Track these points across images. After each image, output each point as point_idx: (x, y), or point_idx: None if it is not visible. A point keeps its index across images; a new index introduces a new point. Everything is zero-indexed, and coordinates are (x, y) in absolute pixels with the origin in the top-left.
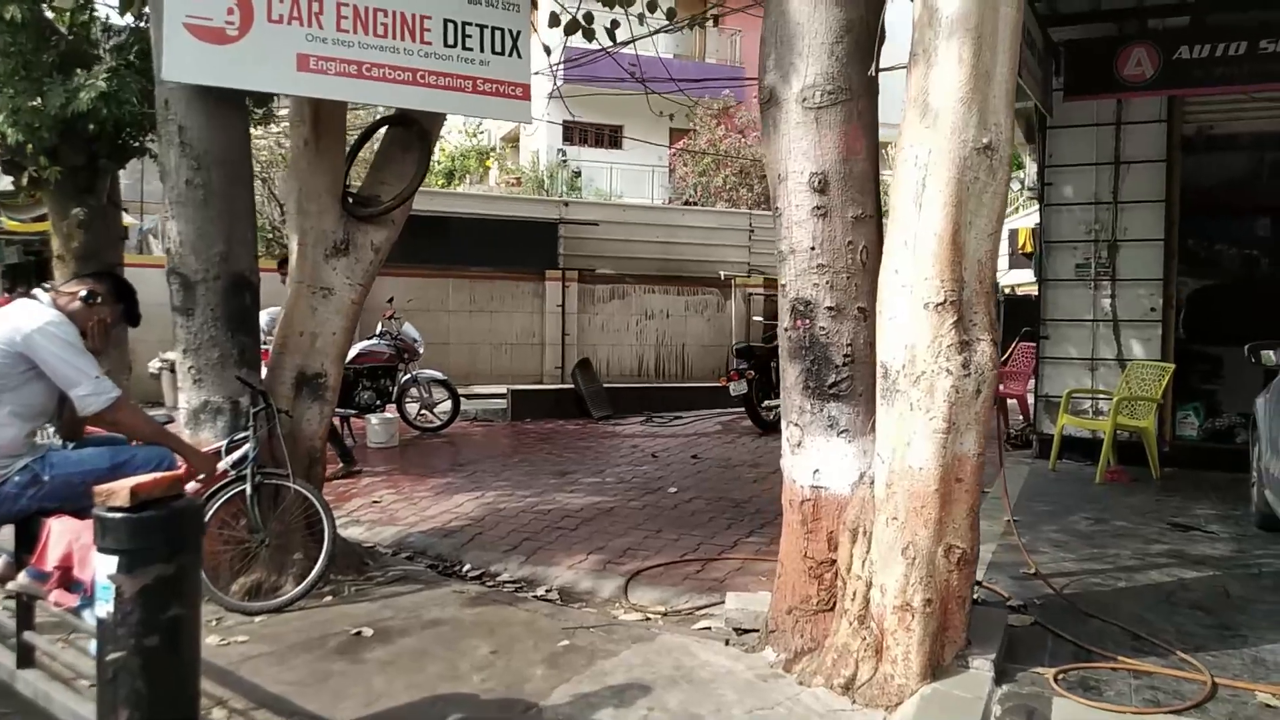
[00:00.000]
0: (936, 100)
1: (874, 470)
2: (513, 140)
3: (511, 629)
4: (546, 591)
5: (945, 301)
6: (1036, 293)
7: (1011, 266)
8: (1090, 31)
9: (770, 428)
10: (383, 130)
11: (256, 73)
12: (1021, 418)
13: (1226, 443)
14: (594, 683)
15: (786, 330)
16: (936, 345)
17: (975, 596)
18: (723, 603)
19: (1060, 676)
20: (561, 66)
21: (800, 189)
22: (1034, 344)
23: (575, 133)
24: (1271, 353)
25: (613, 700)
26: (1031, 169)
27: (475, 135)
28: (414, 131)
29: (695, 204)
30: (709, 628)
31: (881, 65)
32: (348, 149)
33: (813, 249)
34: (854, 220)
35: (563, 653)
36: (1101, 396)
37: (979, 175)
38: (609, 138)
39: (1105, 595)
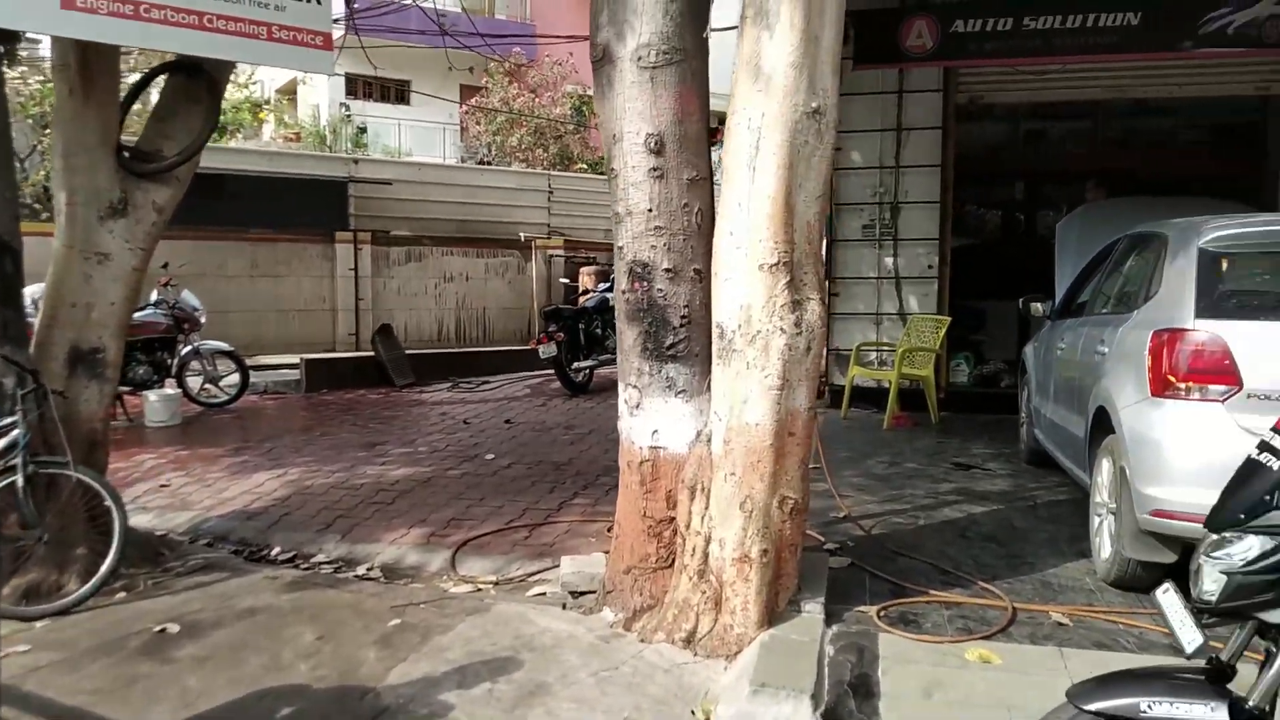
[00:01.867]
0: (769, 64)
1: (711, 429)
2: (289, 92)
3: (336, 612)
4: (369, 570)
5: (779, 262)
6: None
7: None
8: (876, 3)
9: (580, 389)
10: (164, 77)
11: (13, 9)
12: None
13: (993, 387)
14: (432, 660)
15: (624, 293)
16: (771, 305)
17: None
18: (556, 567)
19: (882, 613)
20: (346, 17)
21: (636, 150)
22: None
23: (360, 86)
24: (1039, 304)
25: (454, 676)
26: None
27: (247, 86)
28: (201, 81)
29: (490, 164)
30: (544, 593)
31: (713, 26)
32: (122, 97)
33: (650, 211)
34: (689, 182)
35: (395, 632)
36: (886, 348)
37: (809, 139)
38: (396, 93)
39: (909, 533)
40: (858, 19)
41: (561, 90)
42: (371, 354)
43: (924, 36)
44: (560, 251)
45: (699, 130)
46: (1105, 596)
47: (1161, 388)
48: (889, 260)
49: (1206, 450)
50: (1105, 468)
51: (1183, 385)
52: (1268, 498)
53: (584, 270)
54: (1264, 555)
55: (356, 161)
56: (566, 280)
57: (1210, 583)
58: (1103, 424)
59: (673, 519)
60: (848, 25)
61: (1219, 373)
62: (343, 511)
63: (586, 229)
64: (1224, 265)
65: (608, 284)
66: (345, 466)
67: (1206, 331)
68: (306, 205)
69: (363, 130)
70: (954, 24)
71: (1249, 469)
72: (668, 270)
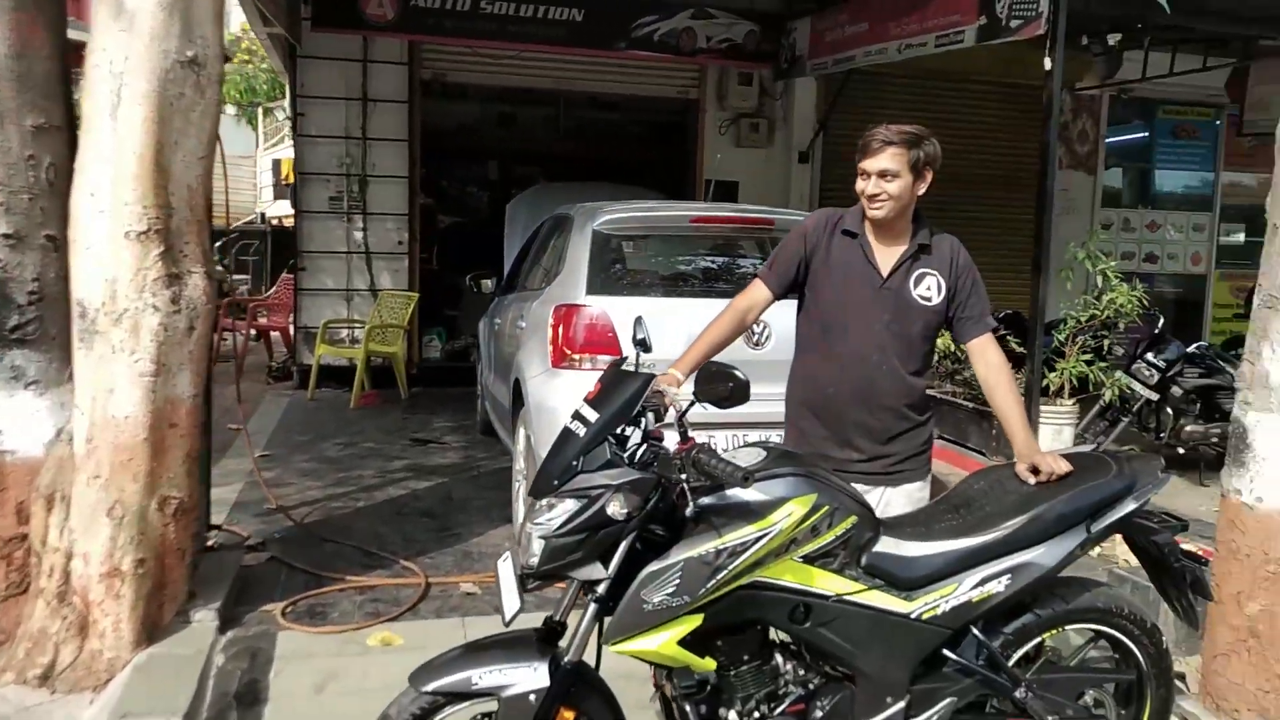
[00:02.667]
0: (133, 1)
1: (74, 425)
2: None
3: None
4: None
5: (150, 230)
6: None
7: (277, 197)
8: None
9: None
10: None
11: None
12: (286, 349)
13: (464, 361)
14: None
15: None
16: (141, 279)
17: (211, 542)
18: None
19: (289, 609)
20: None
21: None
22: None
23: None
24: (487, 281)
25: None
26: None
27: None
28: None
29: None
30: None
31: None
32: None
33: None
34: (35, 130)
35: None
36: (357, 325)
37: (185, 91)
38: None
39: (346, 517)
40: None
41: None
42: None
43: (384, 6)
44: None
45: (49, 70)
46: None
47: (560, 359)
48: (358, 234)
49: None
50: (521, 436)
51: (577, 357)
52: (575, 463)
53: None
54: (573, 517)
55: None
56: None
57: (534, 548)
58: (520, 395)
59: (25, 536)
60: None
61: (605, 345)
62: None
63: None
64: (613, 245)
65: None
66: None
67: (596, 307)
68: None
69: None
70: None
71: (564, 437)
72: (8, 236)
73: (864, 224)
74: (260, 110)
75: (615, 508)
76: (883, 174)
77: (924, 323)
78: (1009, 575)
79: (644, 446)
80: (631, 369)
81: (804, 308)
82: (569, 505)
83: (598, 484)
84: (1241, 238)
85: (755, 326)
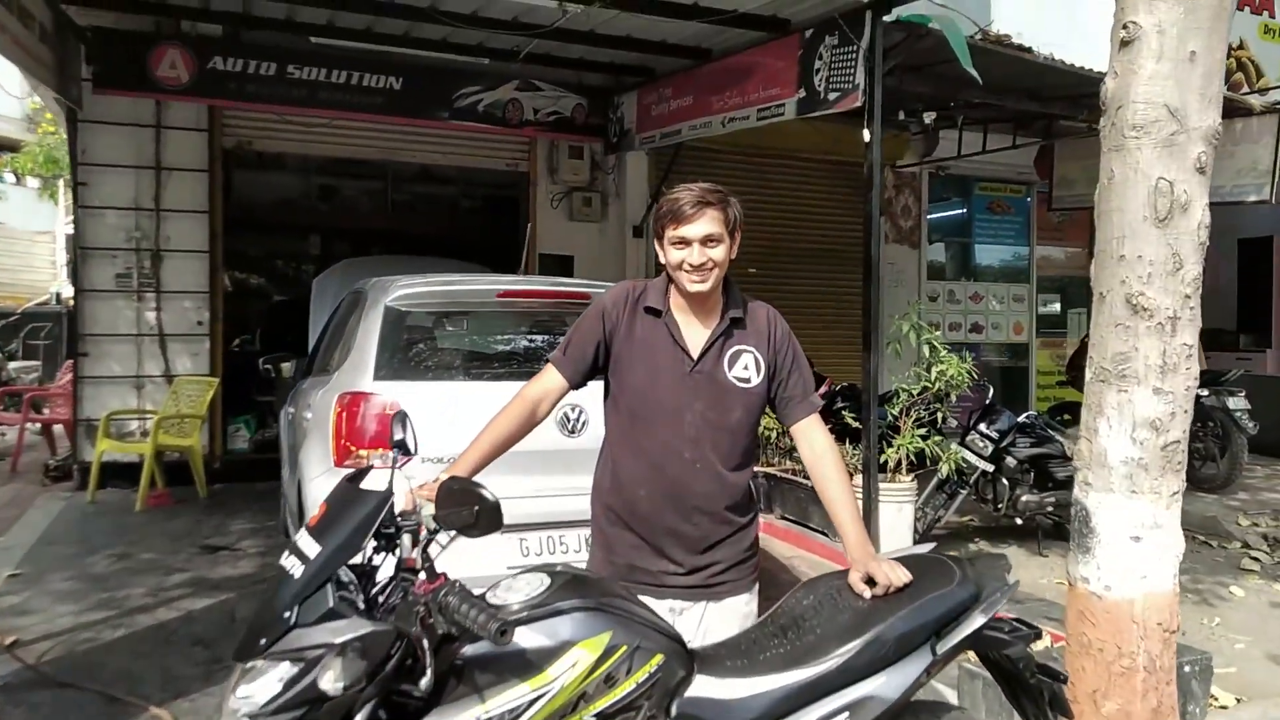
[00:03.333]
0: None
1: None
2: None
3: None
4: None
5: None
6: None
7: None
8: (122, 22)
9: None
10: None
11: None
12: (70, 445)
13: (275, 452)
14: None
15: None
16: None
17: None
18: None
19: None
20: None
21: None
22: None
23: None
24: (287, 364)
25: None
26: None
27: None
28: None
29: None
30: None
31: None
32: None
33: None
34: None
35: None
36: (150, 416)
37: None
38: None
39: (96, 651)
40: (96, 35)
41: None
42: None
43: (178, 68)
44: None
45: None
46: None
47: (344, 456)
48: (151, 315)
49: None
50: None
51: (364, 453)
52: (287, 615)
53: None
54: (284, 690)
55: None
56: None
57: None
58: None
59: None
60: (86, 42)
61: None
62: None
63: None
64: (409, 323)
65: None
66: None
67: (386, 394)
68: None
69: None
70: (213, 60)
71: (279, 579)
72: None
73: (667, 298)
74: (62, 183)
75: (329, 680)
76: (706, 240)
77: (744, 408)
78: (848, 714)
79: (394, 583)
80: (381, 480)
81: (609, 395)
82: (281, 671)
83: (318, 642)
84: (1057, 307)
85: (569, 412)
